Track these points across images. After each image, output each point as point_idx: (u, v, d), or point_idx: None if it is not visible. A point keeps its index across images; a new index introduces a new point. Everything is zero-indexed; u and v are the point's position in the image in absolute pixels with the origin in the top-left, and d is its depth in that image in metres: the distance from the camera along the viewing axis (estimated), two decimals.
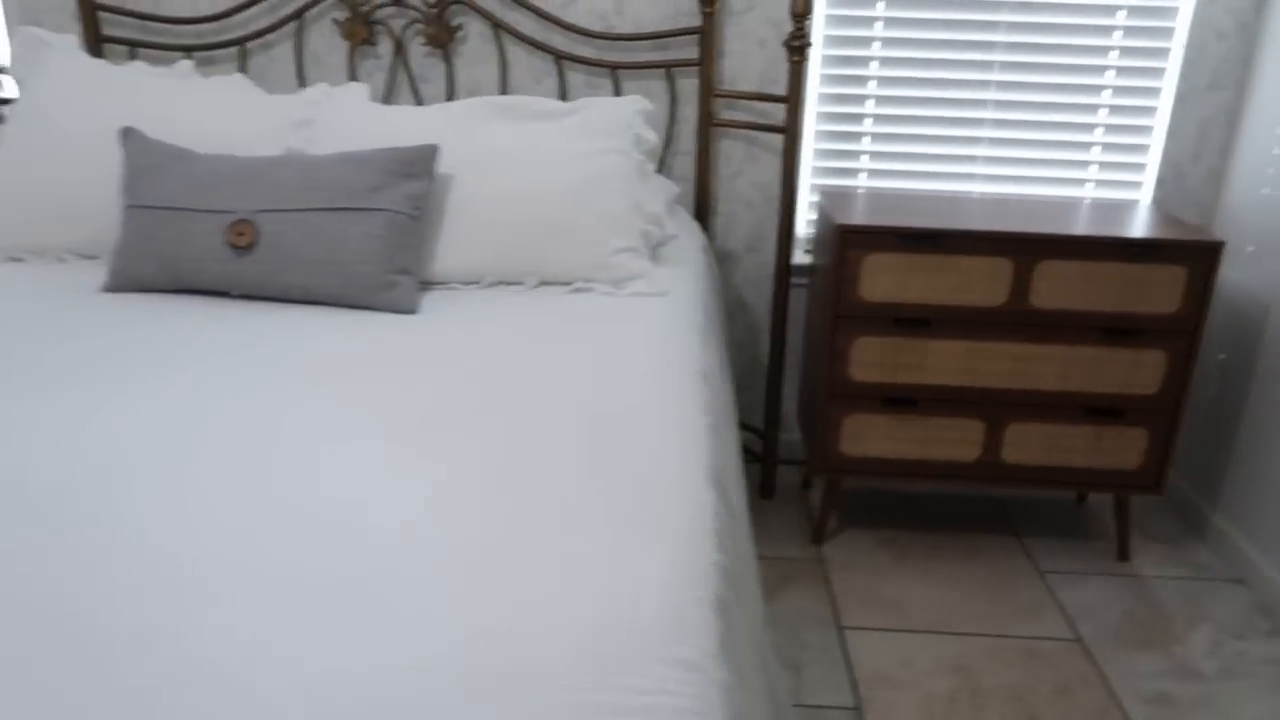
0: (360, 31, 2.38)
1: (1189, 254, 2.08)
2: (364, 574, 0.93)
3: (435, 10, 2.36)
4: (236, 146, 1.86)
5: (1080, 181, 2.50)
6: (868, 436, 2.26)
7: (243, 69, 2.44)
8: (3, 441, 1.15)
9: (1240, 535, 2.29)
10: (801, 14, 2.19)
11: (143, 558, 0.94)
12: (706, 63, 2.37)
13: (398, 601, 0.89)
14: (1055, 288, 2.10)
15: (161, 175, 1.72)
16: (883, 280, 2.13)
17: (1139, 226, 2.15)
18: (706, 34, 2.35)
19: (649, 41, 2.41)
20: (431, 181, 1.74)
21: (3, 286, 1.75)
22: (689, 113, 2.46)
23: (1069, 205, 2.37)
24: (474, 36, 2.42)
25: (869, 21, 2.40)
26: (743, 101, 2.45)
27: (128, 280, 1.73)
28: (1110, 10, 2.34)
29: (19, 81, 2.05)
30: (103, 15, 2.42)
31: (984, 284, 2.12)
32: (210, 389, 1.32)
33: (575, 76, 2.44)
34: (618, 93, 2.41)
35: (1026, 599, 2.16)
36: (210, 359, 1.42)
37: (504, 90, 2.43)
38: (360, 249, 1.64)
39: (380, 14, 2.39)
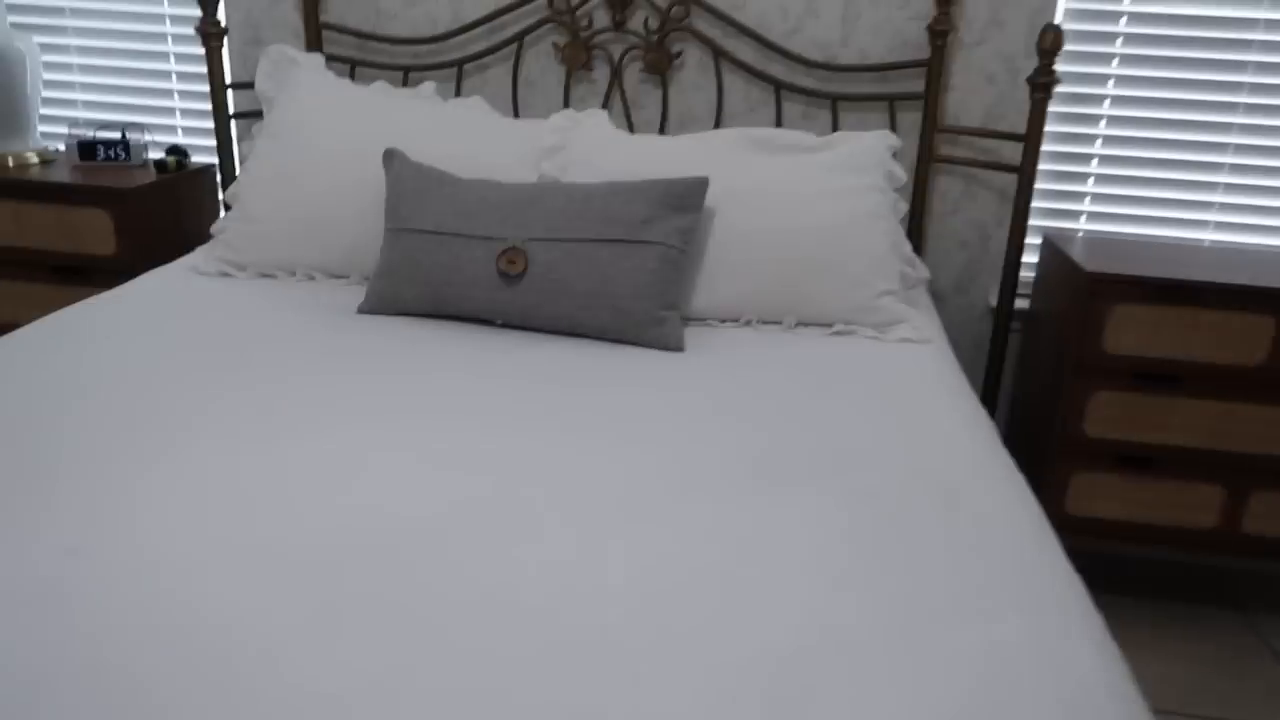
0: (580, 56, 2.36)
1: None
2: (763, 665, 0.86)
3: (656, 36, 2.32)
4: (489, 171, 1.85)
5: None
6: (1098, 496, 2.14)
7: (457, 91, 2.44)
8: (305, 487, 1.11)
9: None
10: (1050, 50, 2.10)
11: (511, 624, 0.89)
12: (933, 96, 2.29)
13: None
14: None
15: (428, 199, 1.71)
16: (1130, 332, 2.02)
17: None
18: (935, 66, 2.27)
19: (871, 74, 2.34)
20: (700, 215, 1.69)
21: (259, 304, 1.75)
22: (907, 147, 2.38)
23: None
24: (691, 64, 2.39)
25: (1106, 58, 2.29)
26: (963, 138, 2.36)
27: (387, 303, 1.72)
28: None
29: (266, 99, 2.06)
30: (325, 34, 2.44)
31: (1240, 341, 2.00)
32: (505, 430, 1.28)
33: (791, 107, 2.38)
34: (835, 125, 2.35)
35: (1265, 683, 2.01)
36: (493, 397, 1.39)
37: (718, 119, 2.38)
38: (632, 283, 1.60)
39: (599, 39, 2.37)
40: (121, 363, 1.44)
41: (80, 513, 1.03)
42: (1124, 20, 2.26)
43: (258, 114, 2.41)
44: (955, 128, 2.32)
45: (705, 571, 0.99)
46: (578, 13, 2.34)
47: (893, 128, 2.35)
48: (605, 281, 1.61)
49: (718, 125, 2.38)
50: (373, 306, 1.74)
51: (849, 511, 1.12)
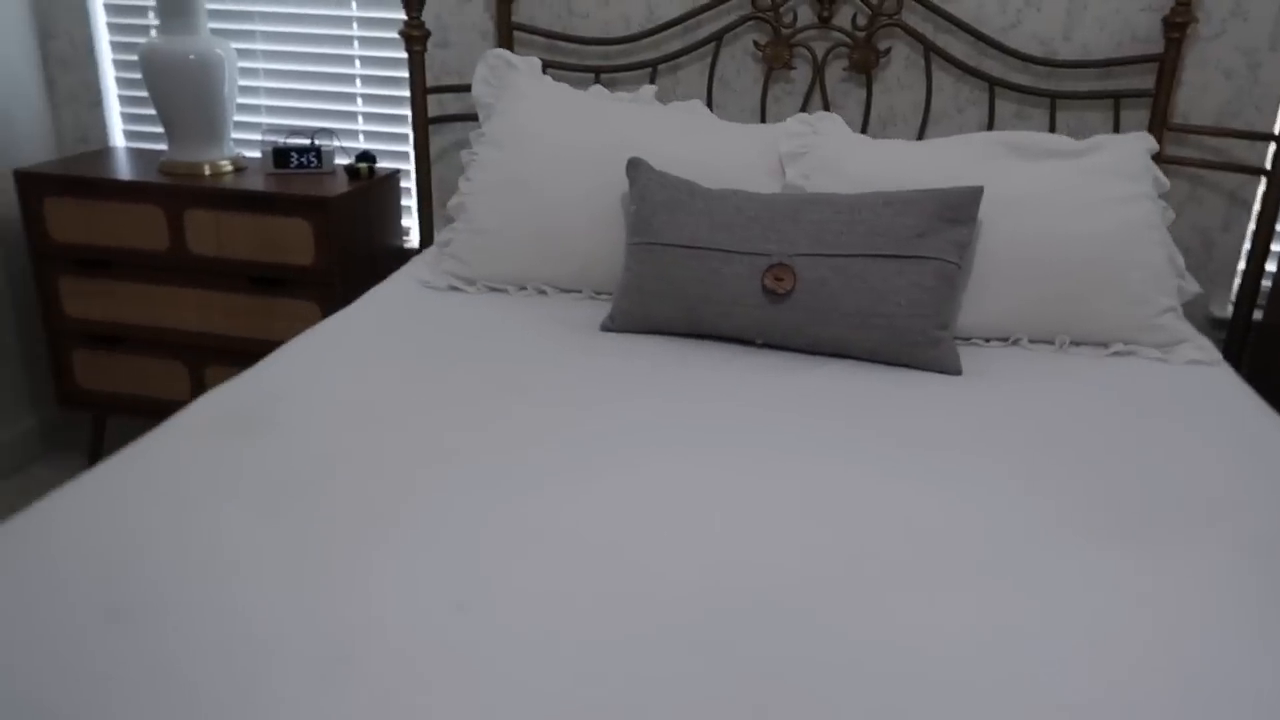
0: (782, 55, 2.26)
1: None
2: None
3: (864, 33, 2.21)
4: (728, 180, 1.76)
5: None
6: None
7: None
8: (646, 533, 1.05)
9: None
10: None
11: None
12: (1165, 93, 2.14)
13: None
14: None
15: (679, 211, 1.63)
16: None
17: None
18: (1168, 62, 2.12)
19: (1094, 70, 2.20)
20: (975, 227, 1.59)
21: (502, 321, 1.69)
22: None
23: None
24: (899, 61, 2.27)
25: None
26: (1192, 137, 2.21)
27: (635, 320, 1.65)
28: None
29: (483, 105, 2.01)
30: (516, 35, 2.38)
31: None
32: (816, 468, 1.20)
33: (1004, 106, 2.26)
34: (1052, 125, 2.21)
35: None
36: (783, 429, 1.31)
37: (925, 120, 2.27)
38: (909, 300, 1.50)
39: (802, 36, 2.27)
40: (406, 389, 1.39)
41: (460, 564, 0.98)
42: None
43: (448, 119, 2.37)
44: (1190, 126, 2.17)
45: (1118, 632, 0.90)
46: (781, 9, 2.24)
47: (1116, 127, 2.21)
48: (878, 299, 1.51)
49: (924, 126, 2.27)
50: (621, 324, 1.67)
51: (1243, 563, 1.01)
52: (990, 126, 2.25)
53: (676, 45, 2.35)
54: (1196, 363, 1.58)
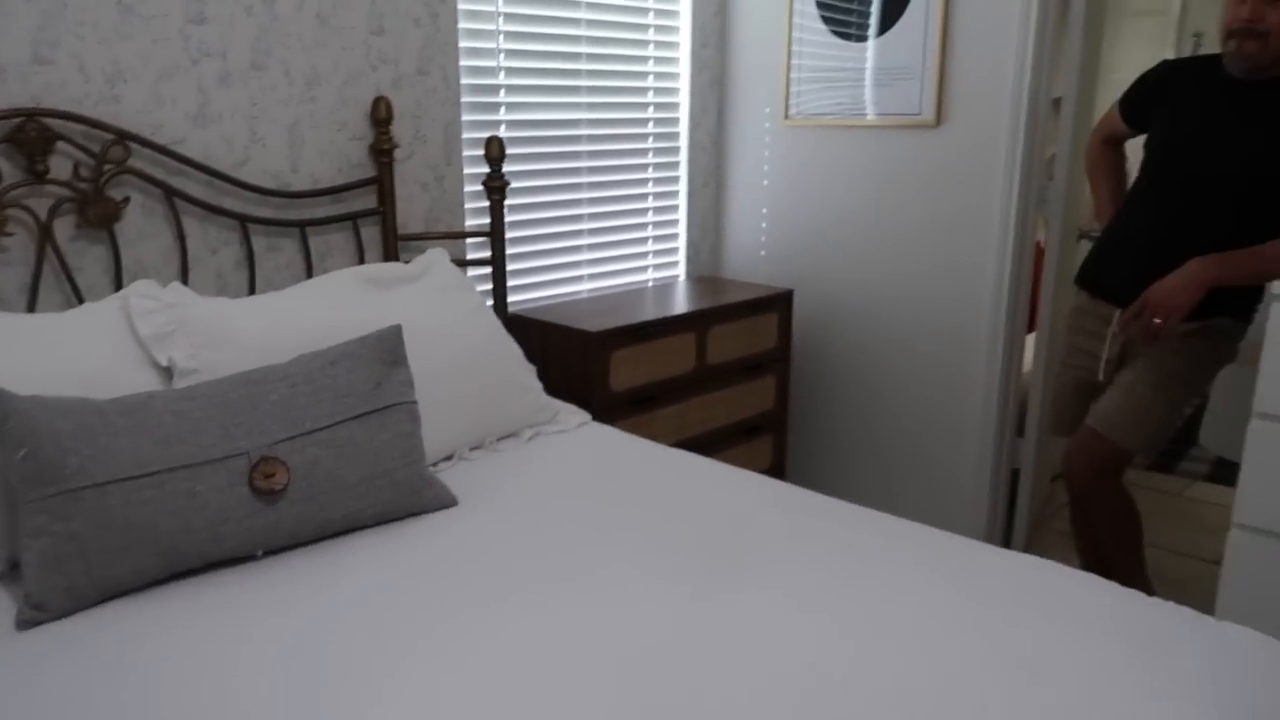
0: None
1: (778, 302, 2.93)
2: None
3: (91, 185, 1.94)
4: (75, 386, 1.40)
5: (643, 268, 3.19)
6: None
7: None
8: None
9: None
10: (498, 158, 2.43)
11: None
12: (389, 210, 2.41)
13: None
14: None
15: (100, 437, 1.25)
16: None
17: (739, 290, 2.94)
18: (385, 183, 2.40)
19: (328, 196, 2.34)
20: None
21: None
22: (373, 259, 2.44)
23: (667, 285, 3.05)
24: (135, 210, 2.05)
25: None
26: (414, 243, 2.53)
27: (78, 595, 1.22)
28: (644, 137, 3.08)
29: None
30: None
31: (680, 354, 2.67)
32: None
33: (258, 240, 2.24)
34: (306, 250, 2.28)
35: None
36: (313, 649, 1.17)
37: (184, 264, 2.10)
38: (401, 450, 1.47)
39: (13, 196, 1.87)
40: None
41: None
42: (502, 128, 2.68)
43: None
44: (411, 235, 2.47)
45: None
46: None
47: (359, 245, 2.38)
48: (375, 460, 1.43)
49: (185, 272, 2.09)
50: (58, 608, 1.21)
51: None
52: (250, 262, 2.19)
53: None
54: (584, 424, 1.89)
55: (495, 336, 1.89)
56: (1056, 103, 2.79)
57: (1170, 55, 3.94)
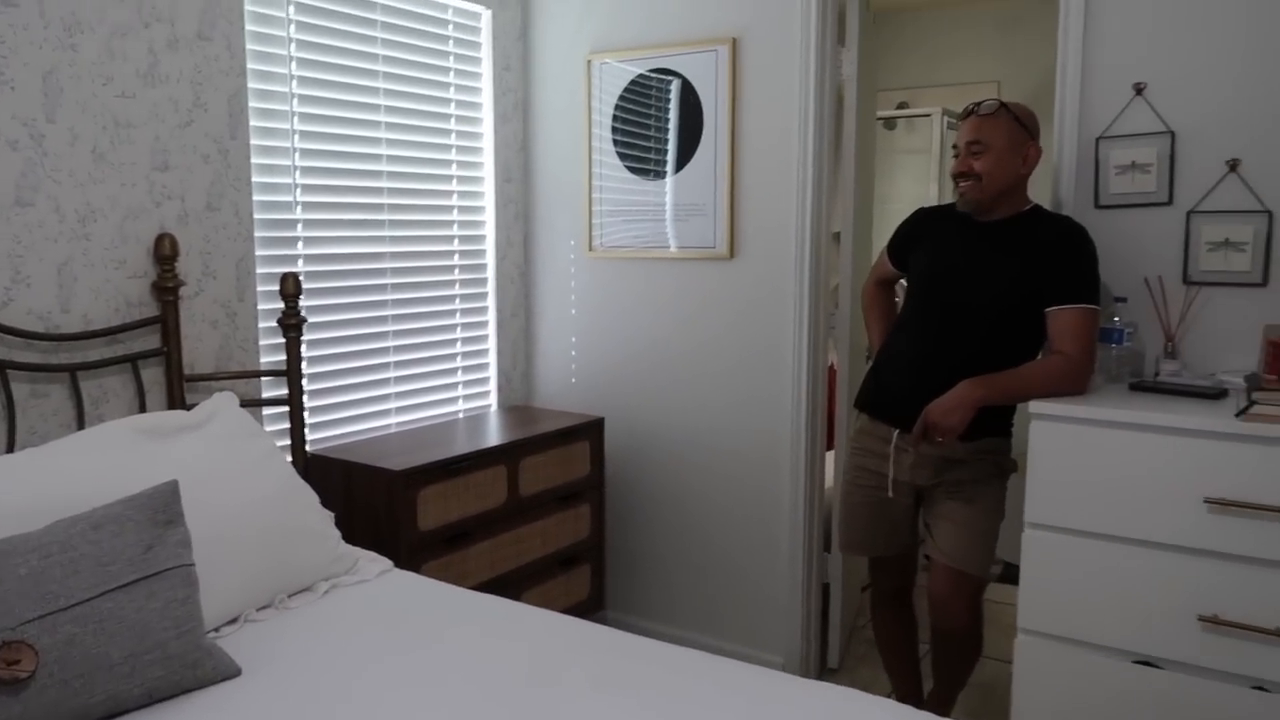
0: None
1: (589, 430, 2.95)
2: None
3: None
4: None
5: (453, 400, 3.15)
6: None
7: None
8: None
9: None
10: (293, 294, 2.37)
11: None
12: (174, 350, 2.28)
13: None
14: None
15: None
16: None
17: (551, 419, 2.94)
18: (169, 321, 2.28)
19: (102, 337, 2.19)
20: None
21: None
22: (156, 402, 2.29)
23: (479, 416, 3.01)
24: None
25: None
26: (202, 384, 2.40)
27: None
28: (450, 269, 3.08)
29: None
30: None
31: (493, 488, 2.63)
32: None
33: (19, 387, 2.06)
34: (77, 394, 2.12)
35: None
36: None
37: None
38: (174, 619, 1.34)
39: None
40: None
41: None
42: (300, 262, 2.62)
43: None
44: (200, 375, 2.34)
45: None
46: None
47: (139, 387, 2.23)
48: (143, 633, 1.30)
49: None
50: None
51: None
52: (9, 412, 2.01)
53: None
54: (385, 572, 1.81)
55: (288, 483, 1.80)
56: (837, 236, 3.00)
57: (934, 187, 4.37)
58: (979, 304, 2.14)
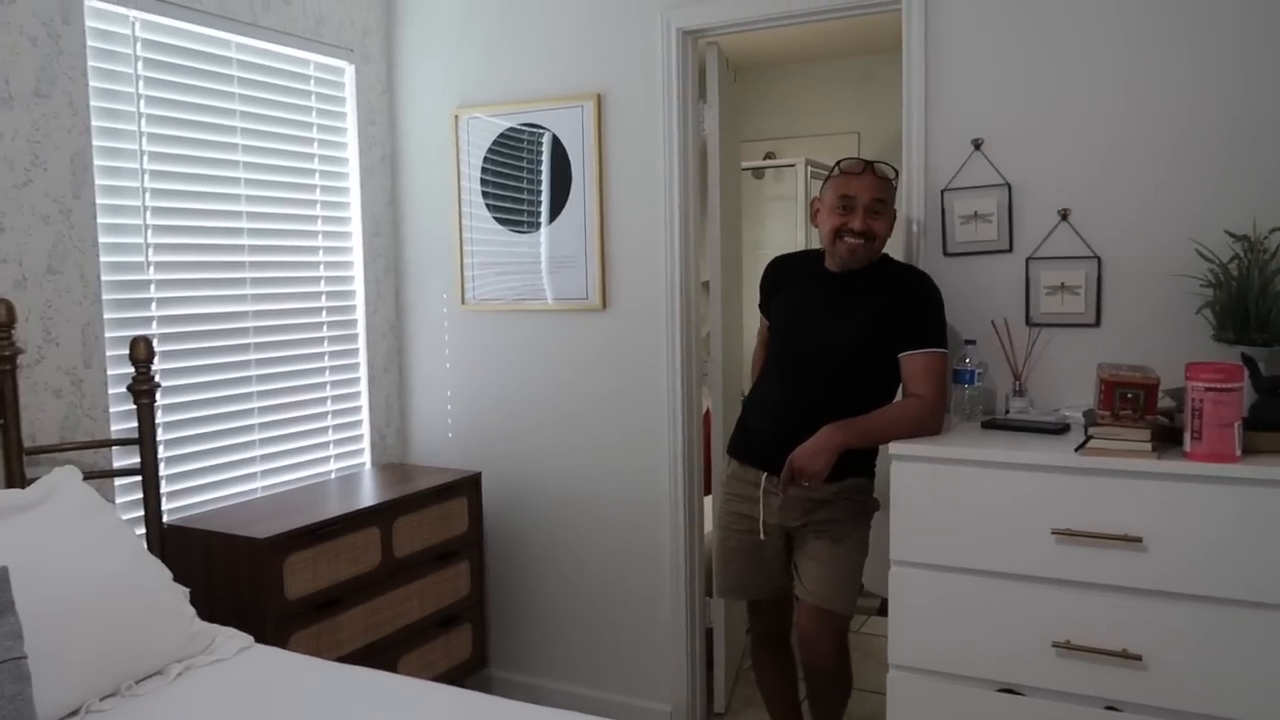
0: None
1: (466, 486, 2.91)
2: None
3: None
4: None
5: (325, 459, 3.06)
6: None
7: None
8: None
9: None
10: (145, 360, 2.27)
11: None
12: (11, 422, 2.15)
13: None
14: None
15: None
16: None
17: (427, 476, 2.89)
18: (6, 392, 2.15)
19: None
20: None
21: None
22: None
23: (352, 476, 2.93)
24: None
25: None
26: (45, 456, 2.27)
27: None
28: (318, 325, 3.01)
29: None
30: None
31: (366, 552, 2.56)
32: None
33: None
34: None
35: None
36: None
37: None
38: (3, 717, 1.26)
39: None
40: None
41: None
42: (154, 324, 2.52)
43: None
44: (44, 447, 2.20)
45: None
46: None
47: None
48: None
49: None
50: None
51: None
52: None
53: None
54: (245, 649, 1.73)
55: (135, 561, 1.70)
56: (707, 284, 3.07)
57: (801, 234, 4.52)
58: (836, 351, 2.21)
